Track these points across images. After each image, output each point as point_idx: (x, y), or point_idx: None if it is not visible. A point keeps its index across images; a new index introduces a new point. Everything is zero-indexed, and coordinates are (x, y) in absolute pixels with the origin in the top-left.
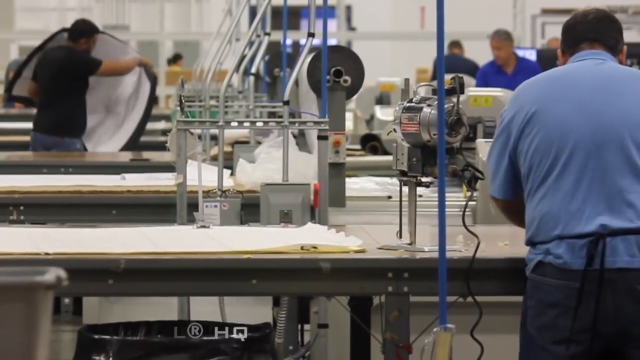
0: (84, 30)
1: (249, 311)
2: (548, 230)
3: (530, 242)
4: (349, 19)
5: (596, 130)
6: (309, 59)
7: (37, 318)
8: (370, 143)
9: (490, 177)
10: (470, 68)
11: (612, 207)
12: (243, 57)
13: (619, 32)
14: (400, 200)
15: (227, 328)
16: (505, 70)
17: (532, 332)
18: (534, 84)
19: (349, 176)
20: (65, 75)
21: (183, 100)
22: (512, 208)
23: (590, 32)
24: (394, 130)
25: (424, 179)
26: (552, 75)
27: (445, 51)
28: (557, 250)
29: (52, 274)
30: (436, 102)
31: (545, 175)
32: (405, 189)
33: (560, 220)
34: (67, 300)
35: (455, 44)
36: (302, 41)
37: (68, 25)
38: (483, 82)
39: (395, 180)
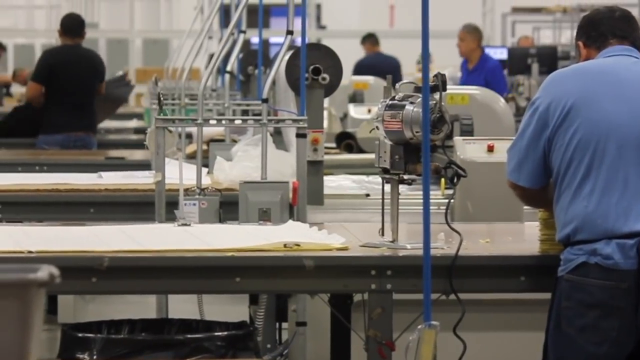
0: (82, 22)
1: (225, 310)
2: (594, 229)
3: (568, 241)
4: (318, 17)
5: None
6: (287, 57)
7: (30, 315)
8: (346, 141)
9: (515, 165)
10: (394, 66)
11: None
12: (220, 55)
13: (638, 31)
14: (383, 198)
15: (209, 326)
16: (468, 66)
17: (571, 333)
18: (570, 74)
19: (325, 174)
20: (97, 76)
21: (162, 98)
22: (536, 196)
23: (619, 29)
24: (377, 127)
25: (406, 177)
26: (591, 68)
27: (362, 48)
28: (605, 251)
29: (45, 271)
30: (419, 100)
31: (588, 171)
32: (387, 187)
33: (608, 219)
34: None
35: (372, 40)
36: (272, 39)
37: (36, 23)
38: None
39: (372, 178)
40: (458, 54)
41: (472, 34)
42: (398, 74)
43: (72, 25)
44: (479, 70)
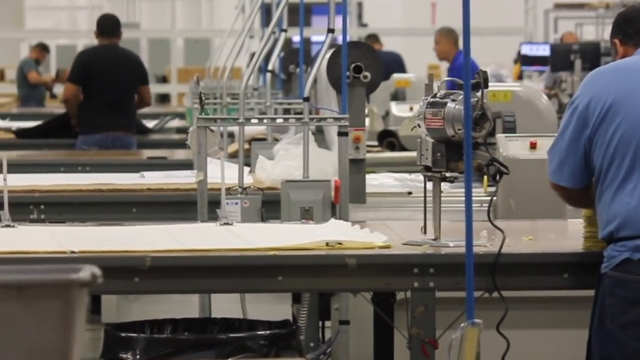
0: (117, 22)
1: (268, 308)
2: (636, 226)
3: (611, 238)
4: (360, 16)
5: None
6: (328, 55)
7: (72, 315)
8: (387, 139)
9: (556, 165)
10: (394, 61)
11: None
12: (261, 54)
13: None
14: (425, 196)
15: (252, 325)
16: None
17: (615, 330)
18: (608, 72)
19: (367, 172)
20: (137, 77)
21: (203, 98)
22: (579, 196)
23: None
24: (418, 125)
25: (448, 174)
26: (631, 65)
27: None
28: None
29: (87, 272)
30: (460, 97)
31: (631, 168)
32: (429, 185)
33: None
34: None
35: (372, 39)
36: (314, 38)
37: (78, 23)
38: None
39: (414, 176)
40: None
41: (446, 36)
42: (398, 66)
43: (107, 26)
44: (450, 70)
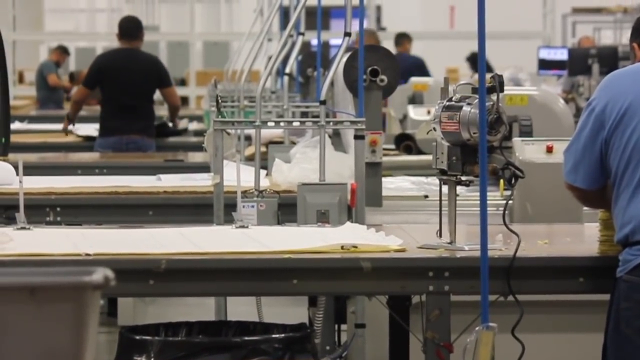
0: (138, 25)
1: (284, 311)
2: None
3: (627, 242)
4: (378, 19)
5: None
6: (344, 59)
7: (85, 318)
8: (405, 142)
9: (571, 166)
10: (417, 65)
11: None
12: (278, 57)
13: None
14: (440, 199)
15: (267, 328)
16: None
17: (630, 334)
18: (625, 75)
19: (384, 176)
20: (154, 80)
21: (219, 101)
22: (594, 197)
23: None
24: (434, 129)
25: (463, 178)
26: None
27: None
28: None
29: (100, 274)
30: (476, 101)
31: None
32: (445, 188)
33: None
34: (101, 302)
35: (405, 39)
36: (332, 41)
37: (97, 26)
38: None
39: (431, 180)
40: None
41: (368, 38)
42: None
43: (128, 28)
44: None
